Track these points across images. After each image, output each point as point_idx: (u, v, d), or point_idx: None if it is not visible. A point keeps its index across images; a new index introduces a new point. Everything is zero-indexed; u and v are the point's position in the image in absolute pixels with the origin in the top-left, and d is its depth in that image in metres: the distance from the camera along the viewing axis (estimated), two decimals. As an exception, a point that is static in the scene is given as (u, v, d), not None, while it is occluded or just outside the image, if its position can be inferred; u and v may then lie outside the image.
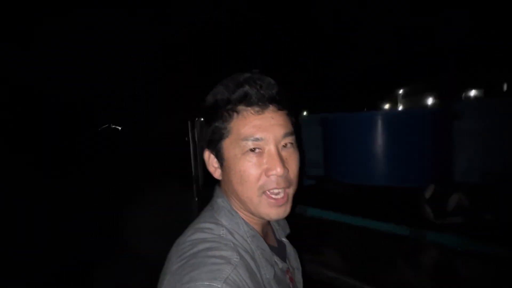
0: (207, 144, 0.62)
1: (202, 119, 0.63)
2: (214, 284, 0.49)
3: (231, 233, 0.60)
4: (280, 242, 0.73)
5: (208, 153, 0.63)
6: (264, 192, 0.58)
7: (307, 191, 2.52)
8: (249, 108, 0.57)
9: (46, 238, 3.21)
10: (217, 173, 0.62)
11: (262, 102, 0.57)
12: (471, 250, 1.24)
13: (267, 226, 0.69)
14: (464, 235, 1.30)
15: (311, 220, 1.99)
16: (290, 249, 0.75)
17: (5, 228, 3.33)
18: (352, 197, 2.12)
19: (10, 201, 4.16)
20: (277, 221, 0.76)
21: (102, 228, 3.33)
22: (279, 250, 0.69)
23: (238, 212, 0.62)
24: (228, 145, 0.59)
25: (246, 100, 0.57)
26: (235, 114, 0.58)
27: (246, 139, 0.57)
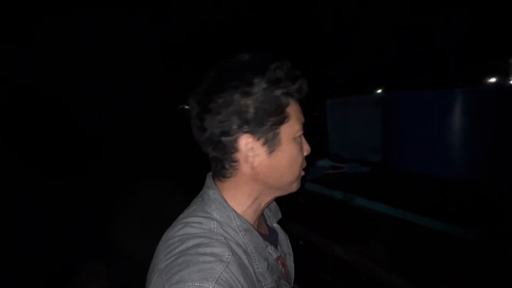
0: (255, 127, 0.56)
1: (249, 100, 0.56)
2: (204, 285, 0.47)
3: (222, 227, 0.58)
4: (271, 229, 0.74)
5: (251, 139, 0.57)
6: (301, 171, 0.63)
7: (360, 179, 2.26)
8: (298, 95, 0.61)
9: (42, 237, 3.22)
10: (255, 162, 0.58)
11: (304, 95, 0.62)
12: None
13: (261, 215, 0.69)
14: None
15: (357, 210, 1.84)
16: (281, 235, 0.76)
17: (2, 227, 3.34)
18: (411, 189, 1.91)
19: (7, 199, 4.15)
20: (269, 207, 0.78)
21: (101, 227, 3.31)
22: (271, 238, 0.69)
23: (233, 203, 0.60)
24: (286, 129, 0.59)
25: (301, 90, 0.61)
26: (291, 99, 0.59)
27: (301, 123, 0.61)
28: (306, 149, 0.65)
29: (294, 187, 0.64)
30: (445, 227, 1.41)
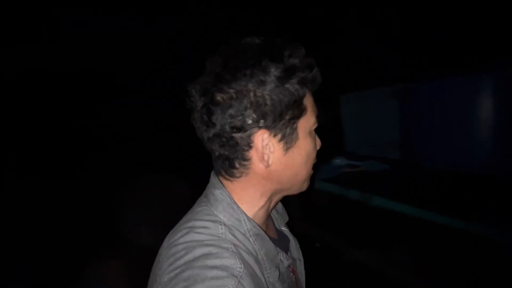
0: (271, 123, 0.52)
1: (266, 91, 0.51)
2: None
3: (231, 231, 0.53)
4: (280, 233, 0.68)
5: (267, 135, 0.53)
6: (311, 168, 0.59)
7: (378, 178, 2.17)
8: (313, 85, 0.56)
9: (43, 232, 3.23)
10: (270, 160, 0.54)
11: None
12: None
13: (268, 218, 0.64)
14: None
15: (376, 211, 1.75)
16: (291, 239, 0.70)
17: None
18: (434, 187, 1.80)
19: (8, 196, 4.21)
20: (276, 208, 0.72)
21: (107, 223, 3.32)
22: (281, 243, 0.64)
23: (243, 205, 0.56)
24: (303, 123, 0.55)
25: (317, 80, 0.56)
26: (307, 90, 0.54)
27: (316, 116, 0.57)
28: (318, 143, 0.61)
29: (305, 186, 0.60)
30: (470, 227, 1.32)
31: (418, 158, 2.09)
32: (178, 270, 0.47)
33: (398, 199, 1.66)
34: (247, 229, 0.55)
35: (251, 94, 0.50)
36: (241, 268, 0.47)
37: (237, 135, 0.52)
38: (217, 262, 0.47)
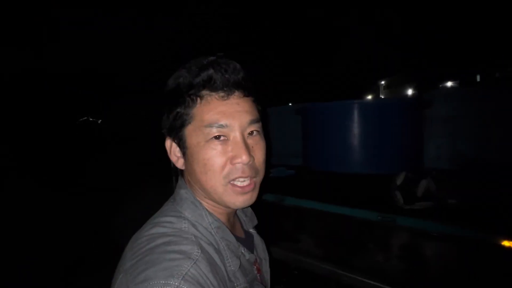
0: (168, 131, 0.59)
1: (165, 104, 0.59)
2: (171, 282, 0.46)
3: (194, 226, 0.57)
4: (247, 233, 0.72)
5: (170, 142, 0.60)
6: (229, 181, 0.56)
7: (286, 181, 2.55)
8: (213, 94, 0.55)
9: (43, 232, 3.30)
10: (180, 163, 0.60)
11: (227, 87, 0.55)
12: (437, 232, 1.34)
13: (234, 218, 0.68)
14: (430, 218, 1.38)
15: (289, 209, 2.02)
16: (257, 240, 0.75)
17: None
18: (327, 185, 2.20)
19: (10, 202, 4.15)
20: (245, 212, 0.76)
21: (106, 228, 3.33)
22: (246, 241, 0.68)
23: (203, 202, 0.60)
24: (191, 132, 0.56)
25: (211, 85, 0.55)
26: (198, 100, 0.55)
27: (210, 125, 0.55)
28: (233, 156, 0.55)
29: (226, 199, 0.58)
30: (356, 212, 1.61)
31: (315, 163, 2.54)
32: (139, 257, 0.50)
33: (305, 197, 1.90)
34: (209, 222, 0.59)
35: (165, 106, 0.60)
36: (198, 252, 0.51)
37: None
38: (175, 247, 0.50)
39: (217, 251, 0.56)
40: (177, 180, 0.66)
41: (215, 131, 0.54)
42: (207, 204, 0.61)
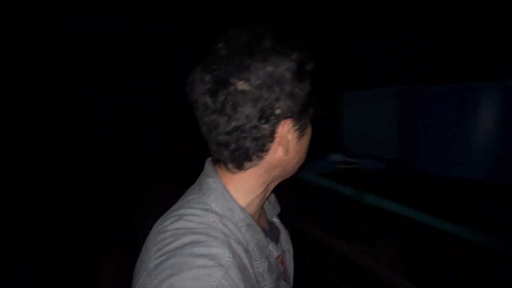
0: (298, 113, 0.52)
1: (295, 80, 0.50)
2: None
3: (222, 221, 0.52)
4: (271, 224, 0.69)
5: (292, 125, 0.53)
6: None
7: (372, 176, 2.16)
8: None
9: (42, 233, 3.24)
10: (287, 148, 0.54)
11: None
12: None
13: (261, 208, 0.63)
14: None
15: (367, 208, 1.75)
16: (281, 230, 0.71)
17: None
18: (426, 189, 1.79)
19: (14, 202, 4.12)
20: (269, 200, 0.71)
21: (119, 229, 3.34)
22: (272, 234, 0.64)
23: (237, 194, 0.54)
24: (311, 110, 0.57)
25: None
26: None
27: None
28: None
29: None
30: (460, 231, 1.30)
31: (413, 160, 2.08)
32: (164, 257, 0.46)
33: (391, 198, 1.65)
34: (239, 219, 0.54)
35: (281, 83, 0.48)
36: (229, 258, 0.47)
37: (263, 127, 0.50)
38: (205, 250, 0.46)
39: (246, 250, 0.52)
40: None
41: None
42: (243, 197, 0.56)
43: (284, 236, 0.73)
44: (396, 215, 1.56)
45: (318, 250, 1.93)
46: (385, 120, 2.51)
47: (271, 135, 0.52)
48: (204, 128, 0.56)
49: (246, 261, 0.51)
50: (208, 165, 0.60)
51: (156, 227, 0.53)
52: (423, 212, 1.40)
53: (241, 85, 0.49)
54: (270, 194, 0.67)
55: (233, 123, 0.50)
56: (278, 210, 0.74)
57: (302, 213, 2.27)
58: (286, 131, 0.52)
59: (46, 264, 2.70)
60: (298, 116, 0.53)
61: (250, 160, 0.54)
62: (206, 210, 0.53)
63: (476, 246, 1.22)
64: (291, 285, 0.72)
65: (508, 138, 1.57)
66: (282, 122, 0.52)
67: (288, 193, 2.34)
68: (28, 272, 2.60)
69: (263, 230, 0.60)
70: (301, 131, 0.55)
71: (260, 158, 0.55)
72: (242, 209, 0.55)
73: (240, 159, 0.54)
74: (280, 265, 0.65)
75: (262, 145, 0.53)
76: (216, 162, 0.59)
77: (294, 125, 0.54)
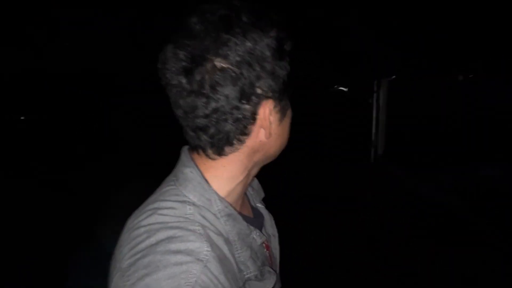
0: (279, 94, 0.49)
1: (276, 58, 0.47)
2: None
3: (200, 212, 0.49)
4: (255, 210, 0.66)
5: (273, 106, 0.49)
6: None
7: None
8: None
9: (39, 232, 3.21)
10: (269, 131, 0.50)
11: None
12: None
13: (244, 195, 0.61)
14: None
15: None
16: (266, 215, 0.68)
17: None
18: None
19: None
20: (252, 185, 0.70)
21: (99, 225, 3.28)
22: (256, 221, 0.63)
23: (215, 182, 0.52)
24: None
25: None
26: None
27: None
28: None
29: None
30: None
31: None
32: (138, 255, 0.43)
33: None
34: (218, 209, 0.51)
35: (261, 61, 0.45)
36: (208, 251, 0.44)
37: (244, 107, 0.46)
38: (181, 246, 0.43)
39: (227, 241, 0.50)
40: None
41: None
42: (222, 186, 0.52)
43: (269, 221, 0.69)
44: None
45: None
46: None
47: (253, 117, 0.47)
48: (179, 112, 0.49)
49: (226, 252, 0.48)
50: (184, 154, 0.55)
51: (130, 223, 0.50)
52: None
53: (219, 63, 0.44)
54: (252, 180, 0.64)
55: (213, 105, 0.45)
56: (262, 195, 0.71)
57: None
58: (267, 112, 0.48)
59: (29, 262, 2.63)
60: (279, 96, 0.49)
61: (231, 144, 0.49)
62: (182, 202, 0.49)
63: None
64: (277, 269, 0.68)
65: None
66: (264, 102, 0.47)
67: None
68: (12, 270, 2.56)
69: (246, 218, 0.57)
70: (282, 113, 0.51)
71: (241, 142, 0.49)
72: (221, 199, 0.52)
73: (220, 143, 0.49)
74: (265, 250, 0.62)
75: (243, 128, 0.48)
76: (194, 149, 0.53)
77: (275, 106, 0.49)
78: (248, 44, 0.44)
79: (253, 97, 0.46)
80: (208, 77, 0.44)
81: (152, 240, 0.43)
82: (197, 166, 0.52)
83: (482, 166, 2.71)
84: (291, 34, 0.50)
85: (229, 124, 0.47)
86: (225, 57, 0.44)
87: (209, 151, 0.51)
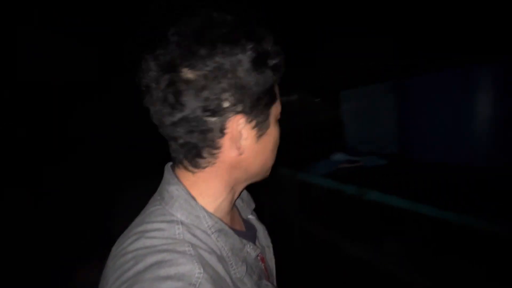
0: (250, 108, 0.47)
1: (244, 73, 0.45)
2: None
3: (190, 230, 0.46)
4: (247, 222, 0.64)
5: (244, 121, 0.47)
6: None
7: (374, 172, 2.12)
8: (279, 73, 0.51)
9: (37, 234, 3.18)
10: (243, 148, 0.49)
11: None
12: None
13: (233, 208, 0.59)
14: None
15: (371, 205, 1.69)
16: (259, 227, 0.65)
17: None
18: (428, 180, 1.73)
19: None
20: (241, 197, 0.67)
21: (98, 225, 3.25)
22: (248, 233, 0.60)
23: (201, 199, 0.50)
24: (273, 110, 0.51)
25: (283, 68, 0.51)
26: (277, 74, 0.49)
27: (280, 103, 0.53)
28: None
29: (268, 173, 0.57)
30: (467, 220, 1.24)
31: (414, 151, 2.02)
32: (125, 285, 0.40)
33: (395, 193, 1.60)
34: (208, 226, 0.49)
35: (230, 74, 0.44)
36: (200, 273, 0.42)
37: (210, 120, 0.45)
38: (171, 270, 0.40)
39: (220, 258, 0.47)
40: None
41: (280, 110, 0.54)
42: (209, 201, 0.51)
43: (262, 232, 0.66)
44: (400, 210, 1.49)
45: (325, 249, 1.89)
46: (383, 116, 2.47)
47: (221, 131, 0.46)
48: (154, 120, 0.50)
49: (221, 270, 0.46)
50: (167, 171, 0.53)
51: (115, 250, 0.46)
52: (433, 206, 1.32)
53: (186, 73, 0.44)
54: (240, 194, 0.62)
55: (178, 114, 0.45)
56: (253, 206, 0.68)
57: (307, 214, 2.24)
58: (237, 127, 0.47)
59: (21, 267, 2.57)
60: (251, 113, 0.47)
61: (201, 157, 0.49)
62: (170, 222, 0.47)
63: (486, 235, 1.16)
64: (274, 280, 0.66)
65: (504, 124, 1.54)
66: (232, 116, 0.46)
67: (293, 195, 2.31)
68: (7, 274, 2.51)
69: (237, 231, 0.54)
70: (259, 130, 0.49)
71: (213, 155, 0.48)
72: (210, 214, 0.50)
73: (190, 155, 0.49)
74: (260, 262, 0.59)
75: (211, 141, 0.47)
76: (176, 164, 0.53)
77: (249, 122, 0.48)
78: (217, 57, 0.44)
79: (220, 110, 0.45)
80: (173, 86, 0.44)
81: (140, 266, 0.41)
82: (182, 183, 0.51)
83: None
84: (278, 49, 0.48)
85: (195, 136, 0.47)
86: (191, 68, 0.44)
87: (186, 163, 0.51)
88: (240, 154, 0.48)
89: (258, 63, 0.45)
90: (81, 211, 3.73)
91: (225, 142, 0.47)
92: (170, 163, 0.55)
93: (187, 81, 0.43)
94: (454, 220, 1.25)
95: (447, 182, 1.62)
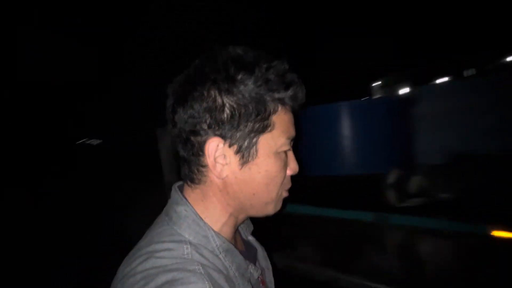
0: (228, 133, 0.47)
1: (228, 99, 0.47)
2: None
3: (198, 251, 0.46)
4: (247, 243, 0.62)
5: (221, 145, 0.47)
6: (282, 192, 0.52)
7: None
8: (291, 104, 0.49)
9: (36, 235, 3.22)
10: (224, 171, 0.48)
11: (302, 102, 0.51)
12: (431, 228, 1.33)
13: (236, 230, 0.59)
14: (423, 215, 1.38)
15: (285, 216, 1.89)
16: (258, 248, 0.64)
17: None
18: (318, 190, 2.15)
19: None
20: None
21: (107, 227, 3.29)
22: (249, 254, 0.59)
23: (208, 220, 0.50)
24: (267, 141, 0.49)
25: (298, 99, 0.49)
26: (280, 107, 0.48)
27: (288, 138, 0.50)
28: (292, 168, 0.54)
29: (270, 209, 0.54)
30: (350, 214, 1.56)
31: (306, 169, 2.27)
32: None
33: (299, 202, 1.85)
34: (216, 245, 0.49)
35: (211, 99, 0.46)
36: None
37: (193, 138, 0.48)
38: None
39: (227, 278, 0.47)
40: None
41: (288, 144, 0.51)
42: (214, 220, 0.51)
43: (261, 253, 0.67)
44: (307, 216, 1.80)
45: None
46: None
47: (202, 150, 0.48)
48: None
49: None
50: (175, 191, 0.54)
51: (122, 270, 0.46)
52: (328, 207, 1.68)
53: (182, 96, 0.51)
54: (243, 222, 0.63)
55: (175, 130, 0.50)
56: (252, 228, 0.69)
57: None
58: (212, 148, 0.48)
59: (39, 267, 2.61)
60: (231, 137, 0.48)
61: (192, 171, 0.50)
62: (179, 241, 0.47)
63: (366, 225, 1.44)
64: None
65: (364, 142, 2.11)
66: (210, 138, 0.48)
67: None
68: (21, 275, 2.53)
69: (242, 252, 0.54)
70: (242, 157, 0.49)
71: (202, 173, 0.49)
72: (218, 234, 0.50)
73: (186, 169, 0.53)
74: (261, 284, 0.59)
75: (196, 158, 0.49)
76: (184, 178, 0.57)
77: (229, 147, 0.48)
78: (204, 85, 0.48)
79: (200, 131, 0.47)
80: (172, 106, 0.49)
81: (151, 286, 0.40)
82: (190, 204, 0.51)
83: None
84: (284, 80, 0.50)
85: (186, 151, 0.50)
86: (185, 92, 0.48)
87: (187, 177, 0.52)
88: (218, 177, 0.48)
89: (249, 92, 0.46)
90: (81, 211, 3.75)
91: (208, 163, 0.48)
92: (177, 184, 0.55)
93: (180, 103, 0.49)
94: (344, 217, 1.59)
95: (331, 189, 2.06)
